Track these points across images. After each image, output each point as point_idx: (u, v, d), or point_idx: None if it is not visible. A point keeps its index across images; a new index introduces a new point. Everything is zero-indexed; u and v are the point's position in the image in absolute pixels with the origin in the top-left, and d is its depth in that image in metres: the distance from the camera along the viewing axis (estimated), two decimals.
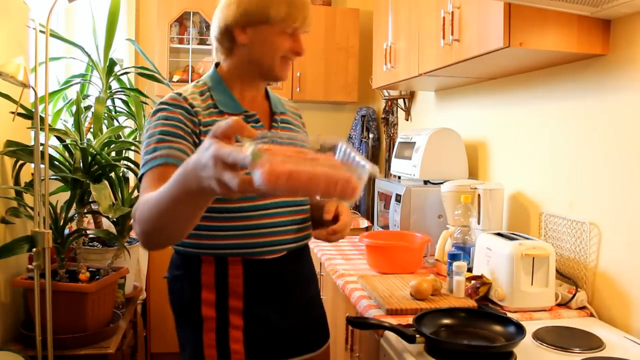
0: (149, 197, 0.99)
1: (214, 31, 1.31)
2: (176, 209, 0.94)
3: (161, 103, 1.23)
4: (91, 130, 2.18)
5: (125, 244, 2.18)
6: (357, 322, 1.42)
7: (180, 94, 1.25)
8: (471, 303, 1.57)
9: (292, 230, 1.31)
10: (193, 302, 1.27)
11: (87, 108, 2.31)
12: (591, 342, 1.34)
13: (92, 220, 2.36)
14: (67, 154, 2.06)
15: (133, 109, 2.45)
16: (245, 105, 1.31)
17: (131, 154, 2.55)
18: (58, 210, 2.01)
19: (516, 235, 1.65)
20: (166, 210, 0.95)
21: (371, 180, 3.68)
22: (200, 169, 0.82)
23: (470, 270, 1.75)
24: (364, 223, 3.31)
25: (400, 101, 3.31)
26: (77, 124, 2.09)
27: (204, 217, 1.09)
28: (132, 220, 1.12)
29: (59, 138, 2.04)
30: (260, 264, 1.27)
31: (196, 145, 1.19)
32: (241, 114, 1.28)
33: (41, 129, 1.79)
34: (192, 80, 3.57)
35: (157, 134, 1.17)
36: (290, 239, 1.31)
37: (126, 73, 2.49)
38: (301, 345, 1.34)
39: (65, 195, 2.05)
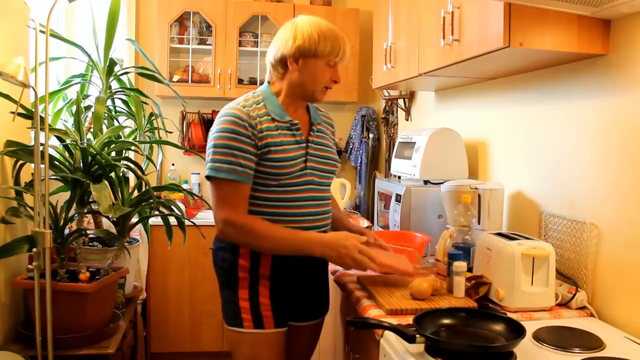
0: (270, 234, 1.55)
1: (271, 58, 1.64)
2: (284, 252, 1.60)
3: (229, 115, 1.55)
4: (91, 130, 2.18)
5: (125, 244, 2.18)
6: (357, 322, 1.42)
7: (243, 106, 1.58)
8: (471, 303, 1.57)
9: (316, 219, 1.64)
10: (232, 266, 1.62)
11: (87, 108, 2.31)
12: (591, 342, 1.34)
13: (92, 220, 2.36)
14: (67, 154, 2.06)
15: (133, 109, 2.45)
16: (291, 116, 1.64)
17: (131, 154, 2.55)
18: (58, 210, 2.01)
19: (516, 235, 1.65)
20: (280, 251, 1.59)
21: (371, 180, 3.69)
22: (339, 246, 1.54)
23: (470, 270, 1.75)
24: (364, 223, 3.31)
25: (400, 101, 3.31)
26: (77, 124, 2.09)
27: (260, 192, 1.58)
28: (231, 226, 1.54)
29: (59, 138, 2.04)
30: None
31: (256, 147, 1.54)
32: (287, 122, 1.61)
33: (41, 129, 1.79)
34: (192, 81, 3.60)
35: (226, 147, 1.53)
36: (314, 226, 1.63)
37: (126, 73, 2.49)
38: (311, 312, 1.75)
39: (65, 195, 2.05)
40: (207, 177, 1.57)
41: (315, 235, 1.57)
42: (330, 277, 2.02)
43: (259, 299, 1.61)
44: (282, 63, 1.61)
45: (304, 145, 1.63)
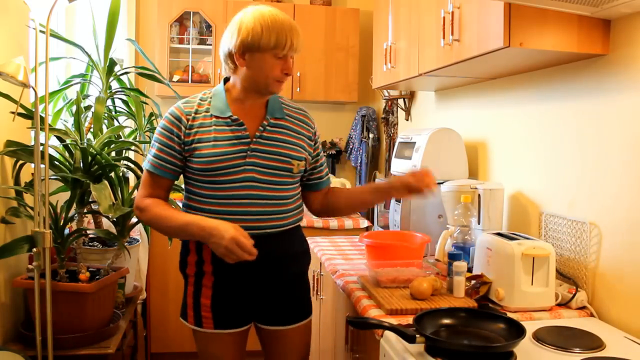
0: (158, 214, 1.55)
1: (221, 54, 1.60)
2: (175, 235, 1.62)
3: (168, 112, 1.60)
4: (91, 130, 2.18)
5: (125, 244, 2.18)
6: (357, 322, 1.42)
7: (184, 103, 1.61)
8: (471, 303, 1.57)
9: (258, 219, 1.57)
10: (183, 262, 1.66)
11: (87, 108, 2.31)
12: (591, 342, 1.33)
13: (92, 220, 2.36)
14: (67, 154, 2.06)
15: (133, 109, 2.45)
16: (240, 111, 1.60)
17: (131, 154, 2.55)
18: (58, 210, 2.01)
19: (516, 235, 1.65)
20: (168, 232, 1.62)
21: (371, 180, 3.69)
22: (216, 235, 1.44)
23: (470, 270, 1.75)
24: (364, 223, 3.31)
25: (400, 101, 3.31)
26: (77, 124, 2.09)
27: (196, 187, 1.59)
28: (135, 208, 1.59)
29: (59, 138, 2.04)
30: None
31: (182, 144, 1.56)
32: (227, 117, 1.58)
33: (41, 129, 1.79)
34: (192, 81, 3.60)
35: (157, 141, 1.59)
36: (256, 226, 1.56)
37: (126, 73, 2.49)
38: (272, 316, 1.67)
39: (65, 195, 2.05)
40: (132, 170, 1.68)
41: (197, 219, 1.51)
42: (331, 277, 2.01)
43: (200, 300, 1.62)
44: (230, 58, 1.57)
45: (247, 140, 1.57)
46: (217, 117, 1.58)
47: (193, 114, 1.58)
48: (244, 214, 1.55)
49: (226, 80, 1.66)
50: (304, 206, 1.77)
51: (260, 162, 1.57)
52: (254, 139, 1.58)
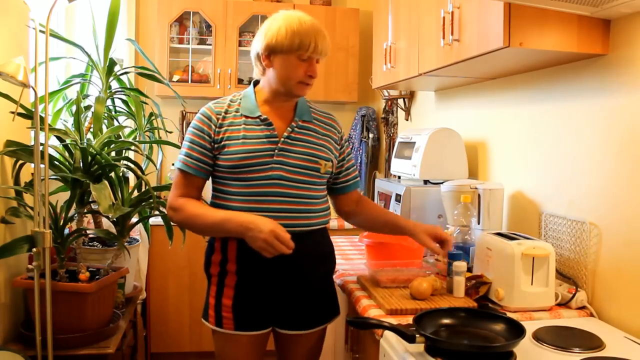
0: (193, 212, 1.59)
1: (251, 56, 1.66)
2: (211, 233, 1.65)
3: (199, 112, 1.65)
4: (91, 130, 2.18)
5: (125, 244, 2.18)
6: (357, 322, 1.42)
7: (214, 103, 1.66)
8: (471, 303, 1.57)
9: (284, 217, 1.57)
10: (207, 261, 1.68)
11: (87, 108, 2.31)
12: (591, 342, 1.34)
13: (92, 220, 2.36)
14: (67, 154, 2.06)
15: (133, 108, 2.45)
16: (269, 112, 1.64)
17: (131, 154, 2.55)
18: (58, 210, 2.01)
19: (516, 235, 1.65)
20: (203, 230, 1.65)
21: (371, 180, 3.69)
22: (254, 229, 1.47)
23: (470, 270, 1.75)
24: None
25: (400, 101, 3.31)
26: (77, 124, 2.09)
27: (225, 185, 1.62)
28: (169, 209, 1.63)
29: (59, 138, 2.04)
30: None
31: (213, 142, 1.60)
32: (257, 117, 1.62)
33: (41, 129, 1.79)
34: (191, 81, 3.60)
35: (189, 141, 1.63)
36: (282, 224, 1.53)
37: (126, 73, 2.49)
38: (292, 321, 1.66)
39: (65, 195, 2.05)
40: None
41: (234, 215, 1.54)
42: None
43: (222, 300, 1.63)
44: (258, 60, 1.63)
45: (276, 139, 1.60)
46: (246, 116, 1.62)
47: (223, 113, 1.62)
48: (271, 210, 1.56)
49: (256, 83, 1.71)
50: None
51: (288, 161, 1.60)
52: (282, 139, 1.61)
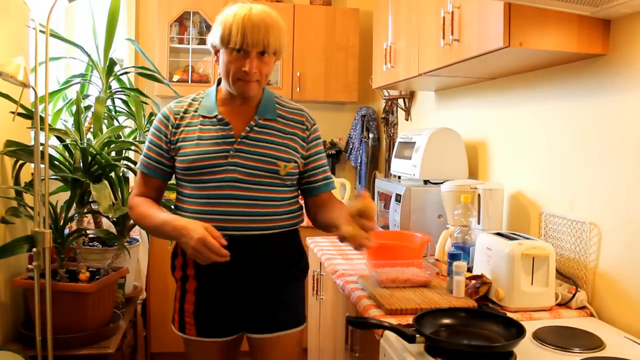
0: (141, 213, 1.55)
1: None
2: (155, 235, 1.56)
3: (160, 113, 1.61)
4: (91, 130, 2.18)
5: (125, 244, 2.18)
6: (357, 322, 1.42)
7: (175, 102, 1.61)
8: (471, 303, 1.57)
9: (239, 220, 1.51)
10: (172, 265, 1.66)
11: (87, 108, 2.31)
12: (591, 342, 1.34)
13: (92, 220, 2.36)
14: (67, 154, 2.06)
15: (133, 108, 2.45)
16: (229, 112, 1.57)
17: (131, 154, 2.55)
18: (58, 210, 2.01)
19: (516, 235, 1.65)
20: (149, 231, 1.61)
21: (371, 180, 3.69)
22: (186, 235, 1.39)
23: (470, 270, 1.75)
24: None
25: (400, 101, 3.31)
26: (77, 124, 2.09)
27: (182, 187, 1.59)
28: (128, 207, 1.60)
29: (59, 138, 2.04)
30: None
31: (169, 143, 1.56)
32: (214, 117, 1.55)
33: (41, 129, 1.79)
34: (191, 81, 3.60)
35: (148, 141, 1.61)
36: (237, 227, 1.50)
37: (126, 73, 2.49)
38: (259, 324, 1.59)
39: (65, 195, 2.05)
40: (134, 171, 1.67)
41: (171, 219, 1.47)
42: (331, 277, 2.01)
43: (184, 305, 1.59)
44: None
45: (232, 140, 1.52)
46: (204, 116, 1.56)
47: (181, 113, 1.58)
48: (224, 213, 1.50)
49: (220, 81, 1.62)
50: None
51: (243, 163, 1.51)
52: (239, 139, 1.53)
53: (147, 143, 1.60)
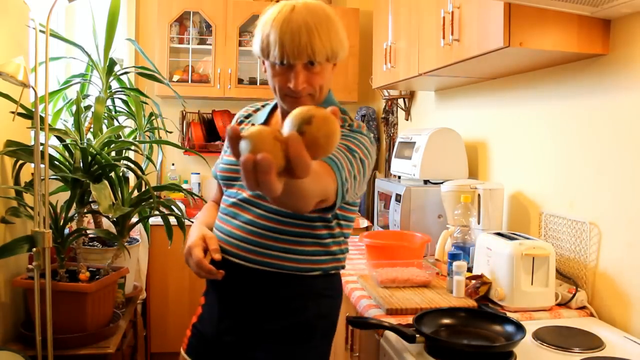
0: (198, 216, 1.45)
1: None
2: None
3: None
4: (91, 130, 2.18)
5: (125, 243, 2.18)
6: (357, 322, 1.42)
7: (248, 106, 1.49)
8: (471, 303, 1.57)
9: (241, 247, 1.27)
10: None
11: (87, 108, 2.30)
12: (591, 342, 1.34)
13: (92, 220, 2.36)
14: (67, 154, 2.05)
15: (133, 108, 2.45)
16: (278, 124, 1.33)
17: (131, 154, 2.55)
18: (58, 210, 2.00)
19: (516, 235, 1.65)
20: None
21: (371, 180, 3.69)
22: (186, 242, 1.30)
23: (470, 270, 1.75)
24: (364, 223, 3.31)
25: (400, 101, 3.31)
26: (77, 124, 2.09)
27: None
28: None
29: (59, 138, 2.04)
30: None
31: None
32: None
33: (41, 129, 1.78)
34: (191, 81, 3.60)
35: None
36: (238, 254, 1.28)
37: (126, 73, 2.49)
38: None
39: (65, 195, 2.05)
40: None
41: (193, 226, 1.37)
42: None
43: (191, 330, 1.43)
44: None
45: None
46: (253, 125, 1.40)
47: (242, 118, 1.46)
48: (230, 235, 1.30)
49: None
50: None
51: None
52: None
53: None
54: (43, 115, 1.83)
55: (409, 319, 1.37)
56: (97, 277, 2.02)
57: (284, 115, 1.32)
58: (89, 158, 2.00)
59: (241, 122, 1.45)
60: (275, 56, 1.18)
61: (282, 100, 1.26)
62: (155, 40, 3.57)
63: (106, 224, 2.30)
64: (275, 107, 1.40)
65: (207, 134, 3.78)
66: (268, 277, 1.27)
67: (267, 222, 1.26)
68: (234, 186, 1.34)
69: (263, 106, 1.46)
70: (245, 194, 1.29)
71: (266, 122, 1.38)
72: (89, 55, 2.30)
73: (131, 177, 2.24)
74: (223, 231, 1.32)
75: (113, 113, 2.47)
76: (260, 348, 1.29)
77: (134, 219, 2.19)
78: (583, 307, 1.59)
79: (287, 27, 1.17)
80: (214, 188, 1.55)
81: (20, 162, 1.96)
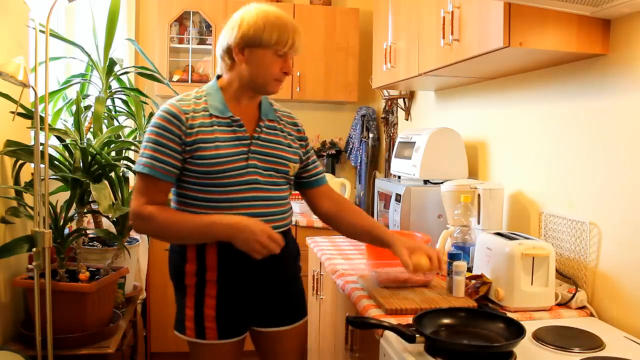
0: (167, 220, 1.47)
1: (218, 49, 1.56)
2: (191, 240, 1.52)
3: (162, 110, 1.50)
4: (91, 130, 2.18)
5: (125, 243, 2.18)
6: (357, 322, 1.42)
7: (179, 100, 1.52)
8: (471, 303, 1.57)
9: (265, 221, 1.49)
10: (180, 272, 1.59)
11: (87, 108, 2.31)
12: (591, 342, 1.33)
13: (92, 220, 2.36)
14: (67, 154, 2.06)
15: (133, 108, 2.45)
16: (236, 111, 1.54)
17: (131, 154, 2.55)
18: (58, 210, 2.01)
19: (516, 235, 1.65)
20: (180, 238, 1.53)
21: (371, 180, 3.69)
22: (246, 230, 1.42)
23: (470, 270, 1.75)
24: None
25: (400, 101, 3.31)
26: (77, 124, 2.09)
27: (193, 191, 1.51)
28: (135, 218, 1.48)
29: (59, 138, 2.04)
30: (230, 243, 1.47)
31: (183, 144, 1.47)
32: (228, 118, 1.52)
33: (41, 129, 1.79)
34: (191, 80, 3.60)
35: (153, 142, 1.48)
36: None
37: (126, 73, 2.49)
38: (270, 318, 1.63)
39: (65, 195, 2.05)
40: (133, 171, 1.59)
41: (219, 218, 1.46)
42: (331, 277, 2.01)
43: (203, 310, 1.54)
44: (228, 54, 1.52)
45: (247, 142, 1.52)
46: (216, 116, 1.51)
47: (192, 113, 1.49)
48: (251, 216, 1.48)
49: (218, 78, 1.60)
50: (309, 208, 1.78)
51: (261, 165, 1.53)
52: (253, 140, 1.53)
53: (153, 145, 1.46)
54: (43, 115, 1.84)
55: (409, 319, 1.37)
56: (97, 277, 2.02)
57: (234, 99, 1.55)
58: (89, 158, 2.00)
59: (194, 118, 1.49)
60: (288, 46, 1.49)
61: (268, 84, 1.52)
62: (155, 40, 3.57)
63: (106, 224, 2.30)
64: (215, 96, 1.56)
65: None
66: (285, 234, 1.59)
67: (277, 193, 1.58)
68: (237, 175, 1.49)
69: (197, 98, 1.54)
70: (258, 176, 1.53)
71: (225, 110, 1.53)
72: (89, 55, 2.30)
73: (131, 177, 2.24)
74: (259, 214, 1.51)
75: (113, 113, 2.47)
76: (294, 285, 1.70)
77: None
78: (583, 307, 1.59)
79: (293, 26, 1.52)
80: (152, 191, 1.48)
81: (20, 162, 1.96)
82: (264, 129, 1.57)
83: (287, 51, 1.50)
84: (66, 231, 2.04)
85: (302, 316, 1.71)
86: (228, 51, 1.52)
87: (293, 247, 1.69)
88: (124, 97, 2.49)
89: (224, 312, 1.55)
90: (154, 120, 1.50)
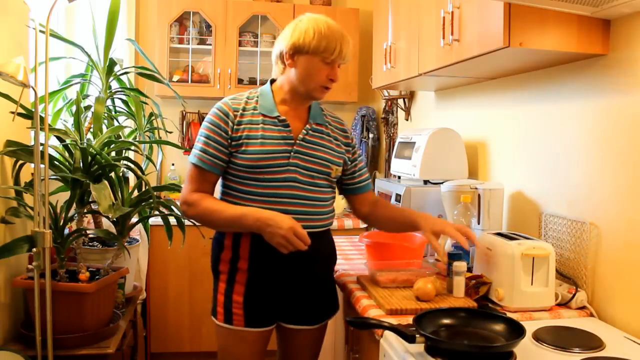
0: (208, 207, 1.60)
1: (273, 55, 1.69)
2: (226, 228, 1.65)
3: (216, 107, 1.66)
4: (91, 130, 2.18)
5: (125, 244, 2.18)
6: (357, 322, 1.42)
7: (231, 99, 1.67)
8: (471, 303, 1.57)
9: (300, 219, 1.57)
10: (216, 259, 1.71)
11: (87, 108, 2.30)
12: (591, 342, 1.34)
13: (92, 220, 2.36)
14: (67, 154, 2.05)
15: (133, 108, 2.45)
16: (285, 113, 1.67)
17: (131, 154, 2.55)
18: (58, 210, 2.00)
19: (516, 235, 1.65)
20: (219, 225, 1.64)
21: (371, 180, 3.69)
22: (274, 225, 1.50)
23: (470, 270, 1.75)
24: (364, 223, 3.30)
25: (400, 101, 3.31)
26: (77, 124, 2.09)
27: (238, 184, 1.63)
28: (183, 203, 1.64)
29: (59, 138, 2.03)
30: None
31: (229, 139, 1.61)
32: (275, 117, 1.64)
33: (41, 129, 1.78)
34: (191, 81, 3.60)
35: (204, 136, 1.64)
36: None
37: (126, 73, 2.49)
38: (295, 315, 1.71)
39: (65, 195, 2.05)
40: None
41: (251, 210, 1.57)
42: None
43: (232, 296, 1.66)
44: (280, 58, 1.65)
45: (292, 141, 1.64)
46: (264, 115, 1.64)
47: (241, 110, 1.64)
48: (286, 213, 1.57)
49: (272, 82, 1.73)
50: (352, 210, 1.89)
51: (302, 164, 1.63)
52: (298, 141, 1.64)
53: (203, 138, 1.63)
54: (43, 115, 1.83)
55: (409, 319, 1.37)
56: (97, 277, 2.02)
57: (285, 101, 1.67)
58: (89, 158, 2.00)
59: (242, 115, 1.63)
60: (335, 54, 1.58)
61: (315, 90, 1.63)
62: (155, 40, 3.57)
63: (106, 224, 2.30)
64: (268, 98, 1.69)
65: None
66: (321, 234, 1.70)
67: (318, 194, 1.67)
68: (277, 172, 1.60)
69: (250, 98, 1.68)
70: (297, 175, 1.62)
71: (273, 110, 1.66)
72: (89, 56, 2.30)
73: (131, 177, 2.24)
74: (295, 212, 1.60)
75: (113, 113, 2.47)
76: (326, 283, 1.78)
77: (134, 219, 2.19)
78: (583, 307, 1.59)
79: (342, 35, 1.60)
80: (200, 180, 1.64)
81: (20, 162, 1.96)
82: (310, 132, 1.68)
83: (334, 59, 1.60)
84: (66, 231, 2.04)
85: (326, 317, 1.78)
86: (280, 56, 1.65)
87: (328, 248, 1.76)
88: (124, 97, 2.49)
89: (252, 300, 1.64)
90: (208, 116, 1.66)
